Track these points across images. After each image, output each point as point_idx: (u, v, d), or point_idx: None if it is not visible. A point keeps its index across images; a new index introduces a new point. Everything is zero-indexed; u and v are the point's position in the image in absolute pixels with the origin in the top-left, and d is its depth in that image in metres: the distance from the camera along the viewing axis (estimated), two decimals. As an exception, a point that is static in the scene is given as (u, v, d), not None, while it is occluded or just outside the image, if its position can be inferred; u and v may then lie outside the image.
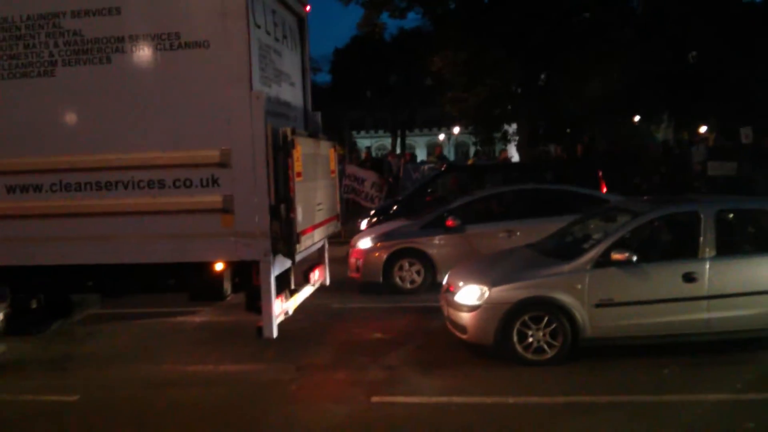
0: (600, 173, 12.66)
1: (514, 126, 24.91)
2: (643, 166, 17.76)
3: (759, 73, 25.20)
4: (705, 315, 6.89)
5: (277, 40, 7.43)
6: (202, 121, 6.31)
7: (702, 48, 28.51)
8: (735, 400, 5.96)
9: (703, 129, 28.83)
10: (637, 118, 29.41)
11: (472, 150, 54.51)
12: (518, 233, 10.35)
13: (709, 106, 28.26)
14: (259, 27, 6.77)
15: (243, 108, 6.22)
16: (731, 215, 7.71)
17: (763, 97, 26.24)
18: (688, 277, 6.84)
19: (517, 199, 11.46)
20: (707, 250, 6.97)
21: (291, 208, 6.38)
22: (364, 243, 11.05)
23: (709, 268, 6.88)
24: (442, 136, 64.80)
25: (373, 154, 33.31)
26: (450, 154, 63.57)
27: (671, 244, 7.62)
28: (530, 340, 6.88)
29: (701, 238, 7.01)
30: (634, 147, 22.20)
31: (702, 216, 7.11)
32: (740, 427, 5.39)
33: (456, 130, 50.07)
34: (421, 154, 60.18)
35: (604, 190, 12.17)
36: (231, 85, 6.26)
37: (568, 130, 24.62)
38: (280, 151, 6.35)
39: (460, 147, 67.87)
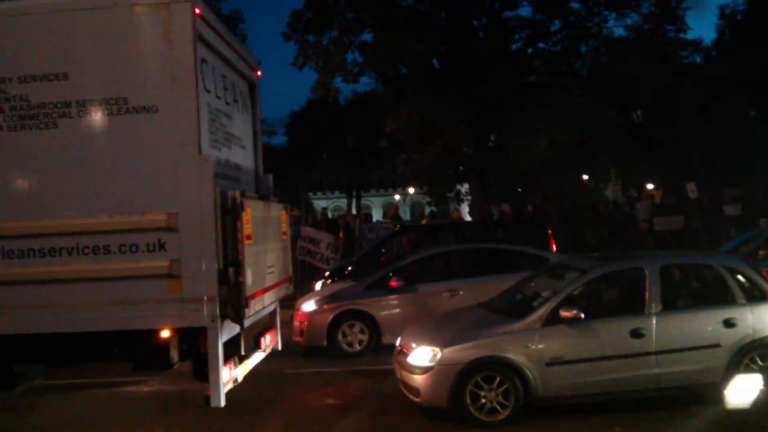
0: (549, 231, 12.89)
1: (466, 186, 25.32)
2: (593, 224, 18.14)
3: (702, 129, 26.29)
4: (654, 370, 6.97)
5: (227, 103, 7.47)
6: (149, 185, 6.25)
7: (647, 107, 29.70)
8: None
9: (650, 186, 29.72)
10: (585, 177, 30.21)
11: (427, 210, 55.14)
12: (461, 292, 10.40)
13: (655, 162, 29.26)
14: (208, 91, 6.81)
15: (191, 171, 6.19)
16: (675, 270, 7.90)
17: (706, 153, 27.28)
18: (636, 333, 6.94)
19: (460, 258, 11.57)
20: (653, 305, 7.10)
21: (240, 271, 6.30)
22: (308, 305, 10.89)
23: (656, 323, 7.00)
24: (397, 197, 65.44)
25: (330, 216, 33.39)
26: (405, 214, 64.07)
27: (618, 300, 7.76)
28: (483, 401, 6.83)
29: (647, 294, 7.15)
30: (584, 205, 22.72)
31: (647, 272, 7.27)
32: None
33: (411, 190, 50.61)
34: (377, 215, 60.45)
35: (554, 248, 12.37)
36: (179, 149, 6.22)
37: (519, 189, 25.13)
38: (229, 215, 6.31)
39: (415, 207, 68.49)
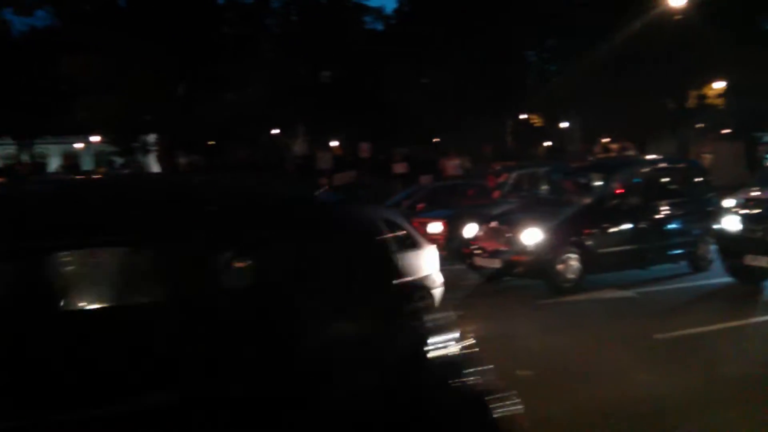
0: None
1: (154, 136, 24.43)
2: (280, 177, 18.88)
3: (381, 92, 28.59)
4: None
5: None
6: None
7: (333, 68, 31.33)
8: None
9: (334, 143, 31.58)
10: (275, 131, 31.07)
11: (117, 160, 51.83)
12: None
13: (339, 121, 31.14)
14: None
15: None
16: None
17: (383, 114, 29.78)
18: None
19: None
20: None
21: None
22: None
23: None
24: (80, 145, 60.45)
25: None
26: (90, 163, 59.58)
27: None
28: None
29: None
30: (273, 158, 23.45)
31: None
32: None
33: (96, 138, 47.10)
34: (55, 164, 55.22)
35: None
36: None
37: (212, 142, 24.98)
38: None
39: (102, 156, 63.94)
